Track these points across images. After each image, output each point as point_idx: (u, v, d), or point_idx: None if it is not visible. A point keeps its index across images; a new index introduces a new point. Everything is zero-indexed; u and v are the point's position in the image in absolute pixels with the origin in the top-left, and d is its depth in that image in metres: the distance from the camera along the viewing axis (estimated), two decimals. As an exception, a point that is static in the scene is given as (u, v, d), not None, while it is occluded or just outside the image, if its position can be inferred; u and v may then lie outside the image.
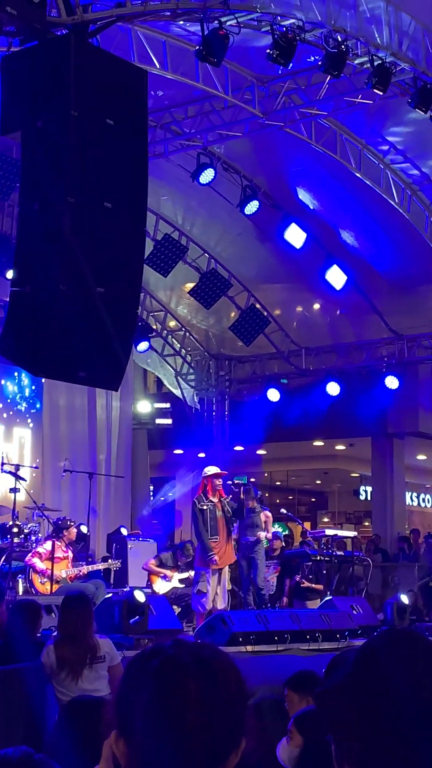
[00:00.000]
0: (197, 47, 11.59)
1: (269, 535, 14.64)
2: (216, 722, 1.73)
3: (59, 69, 8.88)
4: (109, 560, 14.21)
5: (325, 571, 15.14)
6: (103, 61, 9.38)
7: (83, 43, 9.37)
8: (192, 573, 13.59)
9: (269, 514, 14.81)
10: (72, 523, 13.31)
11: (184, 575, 14.11)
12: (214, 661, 1.79)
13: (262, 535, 14.25)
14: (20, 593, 12.76)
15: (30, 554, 13.01)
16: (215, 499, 12.68)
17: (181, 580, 14.18)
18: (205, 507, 12.58)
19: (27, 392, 19.41)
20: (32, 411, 19.50)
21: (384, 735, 1.74)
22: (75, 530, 13.42)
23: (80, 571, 13.04)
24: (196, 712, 1.71)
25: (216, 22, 11.26)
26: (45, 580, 12.59)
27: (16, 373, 18.84)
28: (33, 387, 19.35)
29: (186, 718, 1.70)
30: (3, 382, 18.80)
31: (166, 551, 14.86)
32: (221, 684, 1.76)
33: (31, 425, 19.45)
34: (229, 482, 13.04)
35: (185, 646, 1.80)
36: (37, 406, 19.53)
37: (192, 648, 1.80)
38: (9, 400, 19.04)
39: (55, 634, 7.52)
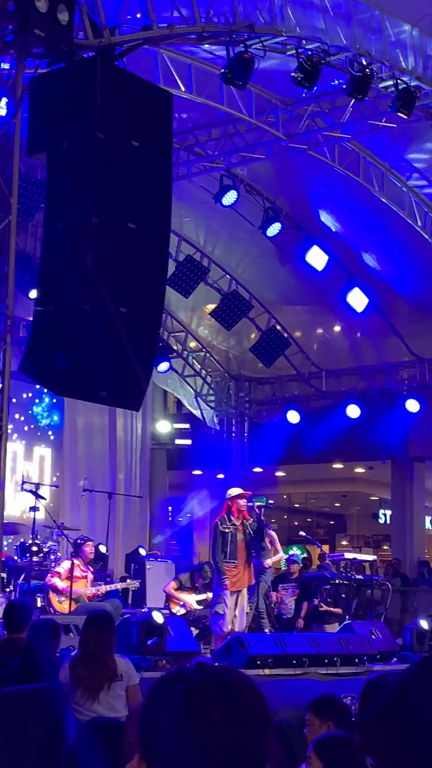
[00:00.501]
0: (222, 70, 11.67)
1: (280, 556, 14.48)
2: (240, 747, 1.72)
3: (85, 91, 8.95)
4: (128, 580, 14.17)
5: (343, 595, 15.05)
6: (128, 84, 9.45)
7: (109, 66, 9.44)
8: (210, 594, 13.54)
9: (273, 533, 14.58)
10: (87, 541, 13.29)
11: (202, 596, 14.06)
12: (238, 686, 1.78)
13: (269, 562, 14.17)
14: (38, 612, 12.76)
15: (49, 574, 13.00)
16: (238, 522, 12.61)
17: (198, 602, 14.13)
18: (227, 530, 12.50)
19: (48, 411, 19.46)
20: (52, 430, 19.54)
21: (426, 764, 1.73)
22: (93, 548, 13.39)
23: (98, 590, 13.02)
24: (220, 736, 1.70)
25: (241, 45, 11.33)
26: (63, 599, 12.56)
27: (28, 394, 18.90)
28: (54, 405, 19.39)
29: (210, 742, 1.70)
30: (24, 397, 18.85)
31: (185, 572, 14.81)
32: (245, 709, 1.75)
33: (51, 444, 19.48)
34: (249, 504, 12.97)
35: (209, 671, 1.79)
36: (58, 425, 19.58)
37: (216, 672, 1.79)
38: (30, 419, 19.09)
39: (74, 653, 7.49)
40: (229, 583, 12.36)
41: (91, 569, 13.15)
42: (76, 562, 12.78)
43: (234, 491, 12.96)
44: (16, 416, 18.33)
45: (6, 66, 9.02)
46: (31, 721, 6.65)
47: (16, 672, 7.39)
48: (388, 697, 1.83)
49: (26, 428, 19.01)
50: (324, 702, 5.47)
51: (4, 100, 9.01)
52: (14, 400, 17.75)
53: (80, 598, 12.56)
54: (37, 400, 19.17)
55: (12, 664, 7.50)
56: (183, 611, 14.03)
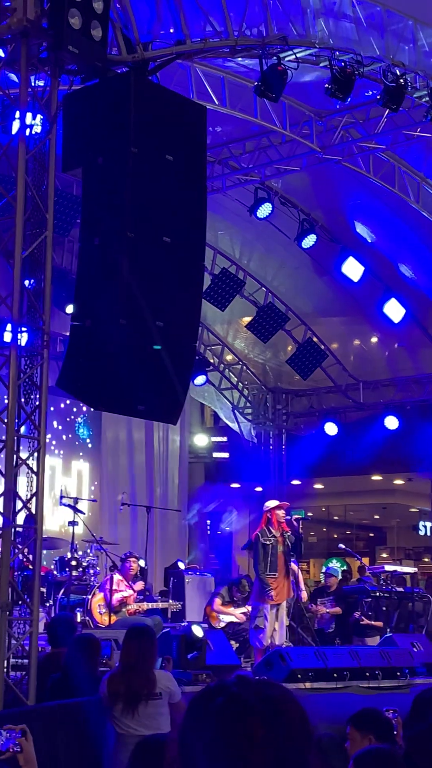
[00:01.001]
0: (256, 83, 11.67)
1: (304, 595, 14.12)
2: (280, 760, 1.69)
3: (119, 106, 8.99)
4: (170, 601, 14.12)
5: (384, 608, 14.95)
6: (162, 98, 9.48)
7: (143, 81, 9.48)
8: (249, 607, 13.50)
9: (296, 567, 13.90)
10: (131, 556, 13.29)
11: (241, 610, 14.02)
12: (279, 699, 1.76)
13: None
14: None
15: (92, 593, 13.00)
16: (278, 534, 12.59)
17: (237, 615, 14.09)
18: (267, 542, 12.49)
19: (85, 425, 19.52)
20: (90, 444, 19.60)
21: None
22: (136, 564, 13.39)
23: (140, 607, 12.99)
24: (260, 750, 1.68)
25: (274, 58, 11.33)
26: (105, 610, 12.58)
27: (66, 408, 18.95)
28: (91, 419, 19.44)
29: (250, 756, 1.67)
30: (62, 411, 18.92)
31: (224, 585, 14.78)
32: (285, 722, 1.73)
33: (89, 458, 19.54)
34: (287, 516, 12.93)
35: (249, 684, 1.77)
36: (96, 439, 19.63)
37: (256, 686, 1.77)
38: (67, 433, 19.15)
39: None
40: (274, 593, 12.32)
41: (133, 586, 13.12)
42: (118, 577, 12.78)
43: (272, 503, 12.96)
44: (54, 431, 18.40)
45: (40, 83, 9.07)
46: (70, 736, 6.64)
47: (55, 686, 7.40)
48: None
49: (64, 443, 19.07)
50: (365, 715, 5.43)
51: (39, 117, 9.06)
52: (52, 416, 17.87)
53: (121, 611, 12.56)
54: (74, 415, 19.23)
55: (51, 678, 7.51)
56: (223, 622, 13.98)
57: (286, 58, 11.44)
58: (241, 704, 1.73)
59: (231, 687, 1.76)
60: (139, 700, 6.81)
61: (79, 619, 13.01)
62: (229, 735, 1.69)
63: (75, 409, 19.11)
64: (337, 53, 11.93)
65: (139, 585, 13.26)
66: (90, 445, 19.60)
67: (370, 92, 13.38)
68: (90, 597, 12.93)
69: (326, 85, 12.01)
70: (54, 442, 18.36)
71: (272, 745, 1.69)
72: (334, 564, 21.63)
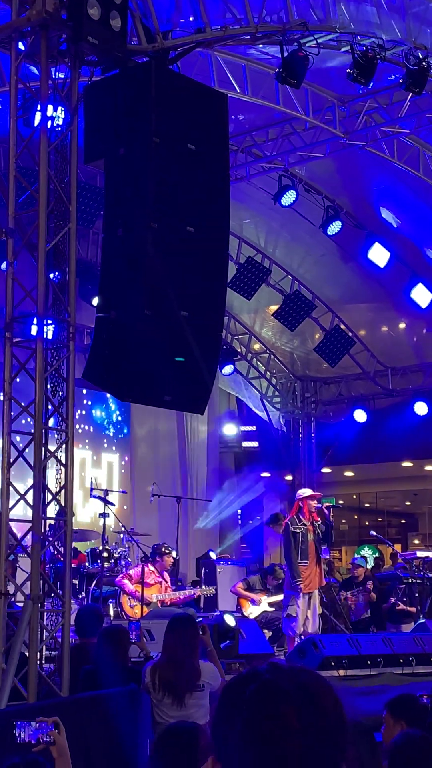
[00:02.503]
0: (277, 70, 11.61)
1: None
2: (315, 748, 1.67)
3: (140, 96, 8.96)
4: (203, 587, 14.14)
5: (417, 594, 14.90)
6: (183, 87, 9.44)
7: (164, 70, 9.44)
8: (281, 596, 13.50)
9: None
10: (170, 551, 13.29)
11: (274, 599, 14.00)
12: (312, 686, 1.74)
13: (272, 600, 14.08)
14: (111, 617, 12.80)
15: (120, 575, 13.05)
16: (308, 522, 12.58)
17: (270, 604, 14.08)
18: (298, 530, 12.48)
19: (115, 417, 19.55)
20: (120, 436, 19.63)
21: None
22: (171, 558, 13.39)
23: (177, 596, 12.99)
24: (294, 738, 1.66)
25: (295, 44, 11.27)
26: (135, 603, 12.59)
27: (93, 400, 18.99)
28: (120, 411, 19.48)
29: (284, 744, 1.66)
30: (90, 404, 18.96)
31: (254, 574, 14.76)
32: (320, 709, 1.71)
33: (118, 450, 19.57)
34: (318, 505, 12.90)
35: (282, 671, 1.76)
36: (125, 431, 19.66)
37: (289, 672, 1.75)
38: (96, 426, 19.20)
39: (156, 656, 7.48)
40: (303, 585, 12.31)
41: (166, 578, 13.11)
42: (150, 568, 12.78)
43: (305, 492, 12.96)
44: (83, 423, 18.45)
45: (61, 75, 9.06)
46: (102, 727, 6.66)
47: (87, 677, 7.42)
48: None
49: (93, 434, 19.12)
50: (400, 701, 5.42)
51: (60, 109, 9.05)
52: (80, 408, 17.92)
53: (153, 604, 12.57)
54: (102, 407, 19.27)
55: (83, 670, 7.53)
56: (256, 610, 13.97)
57: (307, 44, 11.37)
58: (274, 691, 1.71)
59: (264, 674, 1.75)
60: (184, 690, 6.82)
61: (111, 611, 13.06)
62: (262, 722, 1.68)
63: (102, 402, 19.14)
64: (359, 38, 11.85)
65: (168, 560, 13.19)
66: (120, 436, 19.64)
67: (393, 76, 13.30)
68: (119, 592, 12.92)
69: (348, 70, 11.93)
70: (83, 434, 18.40)
71: (306, 733, 1.67)
72: (366, 551, 21.59)
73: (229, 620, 10.95)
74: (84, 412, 18.60)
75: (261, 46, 11.76)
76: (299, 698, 1.70)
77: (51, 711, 4.46)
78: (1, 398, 8.58)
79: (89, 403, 18.91)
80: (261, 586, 14.30)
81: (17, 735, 3.92)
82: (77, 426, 15.73)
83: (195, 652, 6.99)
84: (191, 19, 10.16)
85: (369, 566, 16.97)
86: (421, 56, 12.23)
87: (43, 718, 4.01)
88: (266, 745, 1.66)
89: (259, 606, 14.08)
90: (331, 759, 1.70)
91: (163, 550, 13.20)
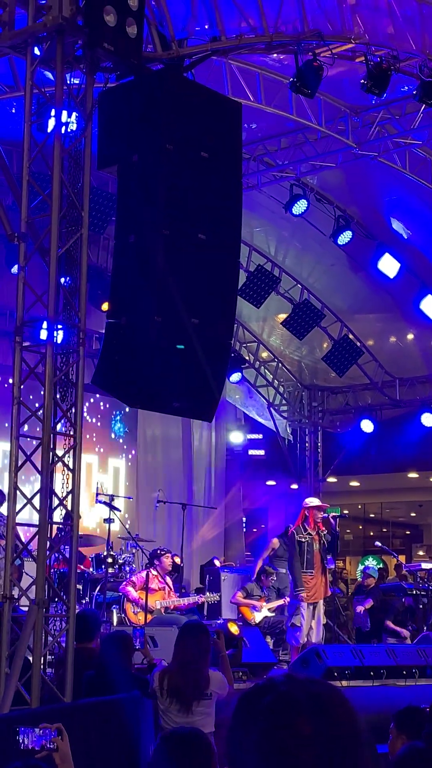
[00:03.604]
0: (291, 79, 11.63)
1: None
2: (331, 759, 1.67)
3: (154, 103, 8.98)
4: (207, 593, 14.15)
5: (421, 606, 14.88)
6: (197, 95, 9.46)
7: (178, 78, 9.47)
8: (280, 601, 13.54)
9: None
10: (166, 552, 13.29)
11: (273, 604, 14.03)
12: (328, 697, 1.74)
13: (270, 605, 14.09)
14: (115, 624, 12.79)
15: (124, 582, 13.05)
16: (313, 532, 12.56)
17: (270, 609, 14.09)
18: (303, 540, 12.46)
19: (121, 423, 19.56)
20: (127, 441, 19.64)
21: None
22: (170, 560, 13.39)
23: (181, 602, 12.99)
24: (310, 749, 1.66)
25: (310, 53, 11.28)
26: (138, 610, 12.58)
27: (102, 406, 19.00)
28: (128, 417, 19.48)
29: (300, 754, 1.65)
30: (98, 409, 18.97)
31: (251, 582, 14.78)
32: (335, 721, 1.71)
33: (125, 456, 19.58)
34: (324, 515, 12.88)
35: (298, 682, 1.75)
36: (131, 435, 19.66)
37: (305, 684, 1.75)
38: (104, 431, 19.20)
39: (165, 662, 7.47)
40: (306, 595, 12.29)
41: (169, 582, 13.12)
42: (153, 573, 12.78)
43: (312, 501, 12.92)
44: (91, 428, 18.46)
45: (76, 81, 9.07)
46: (105, 733, 6.65)
47: (90, 683, 7.41)
48: None
49: (101, 440, 19.12)
50: (406, 714, 5.41)
51: (75, 114, 9.07)
52: (89, 414, 17.93)
53: (157, 611, 12.56)
54: (110, 412, 19.27)
55: (86, 675, 7.53)
56: (258, 616, 13.97)
57: (322, 54, 11.38)
58: (290, 702, 1.71)
59: (279, 685, 1.75)
60: (192, 698, 6.82)
61: (115, 618, 13.05)
62: (277, 733, 1.68)
63: (110, 406, 19.15)
64: (373, 48, 11.86)
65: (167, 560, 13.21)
66: (127, 443, 19.64)
67: (406, 87, 13.31)
68: (123, 598, 12.92)
69: (362, 81, 11.95)
70: (91, 440, 18.41)
71: (321, 744, 1.67)
72: (371, 562, 21.54)
73: (233, 628, 10.95)
74: (93, 418, 18.60)
75: (275, 55, 11.77)
76: (315, 709, 1.70)
77: (54, 716, 4.47)
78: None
79: (98, 408, 18.91)
80: (259, 592, 14.32)
81: (20, 741, 3.92)
82: (85, 431, 15.74)
83: (205, 660, 6.99)
84: (206, 27, 10.18)
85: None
86: (434, 68, 12.24)
87: (46, 724, 4.01)
88: (282, 756, 1.66)
89: (261, 612, 14.08)
90: None
91: (159, 552, 13.21)
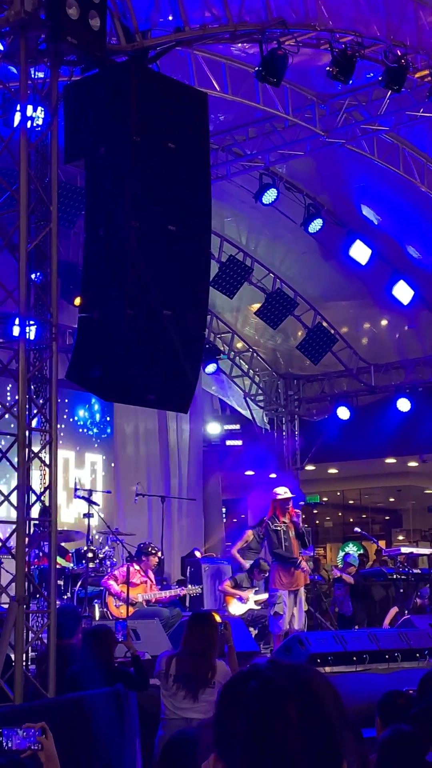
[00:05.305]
0: (257, 68, 11.62)
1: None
2: (317, 744, 1.68)
3: (120, 95, 8.94)
4: (189, 586, 14.15)
5: (402, 590, 14.95)
6: (163, 86, 9.43)
7: (143, 69, 9.43)
8: (265, 596, 13.55)
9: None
10: (156, 553, 13.29)
11: (261, 597, 14.02)
12: (313, 682, 1.75)
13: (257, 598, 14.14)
14: (96, 618, 12.79)
15: (106, 576, 13.04)
16: (287, 520, 12.59)
17: (257, 602, 14.09)
18: (278, 528, 12.49)
19: (98, 417, 19.52)
20: (103, 436, 19.61)
21: None
22: (157, 559, 13.40)
23: (163, 595, 13.01)
24: (296, 734, 1.67)
25: (274, 42, 11.27)
26: (120, 603, 12.58)
27: (76, 401, 18.97)
28: (103, 411, 19.45)
29: (286, 740, 1.66)
30: (73, 404, 18.92)
31: (241, 572, 14.78)
32: (321, 705, 1.72)
33: (102, 450, 19.55)
34: (301, 503, 12.91)
35: (282, 668, 1.76)
36: (108, 431, 19.64)
37: (290, 669, 1.76)
38: (79, 426, 19.16)
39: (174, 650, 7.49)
40: (287, 582, 12.32)
41: (151, 576, 13.12)
42: (136, 567, 12.78)
43: (280, 493, 12.84)
44: (66, 423, 18.42)
45: (40, 75, 9.02)
46: (89, 727, 6.65)
47: (73, 678, 7.41)
48: None
49: (77, 435, 19.08)
50: (385, 700, 5.43)
51: (40, 108, 9.01)
52: (64, 409, 17.88)
53: (139, 604, 12.56)
54: (86, 407, 19.23)
55: (69, 671, 7.52)
56: (242, 608, 13.98)
57: (286, 42, 11.37)
58: (275, 688, 1.72)
59: (264, 671, 1.76)
60: (200, 685, 6.88)
61: (97, 612, 13.04)
62: (264, 719, 1.69)
63: (85, 402, 19.10)
64: (338, 35, 11.86)
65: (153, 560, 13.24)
66: (103, 437, 19.61)
67: (372, 74, 13.32)
68: (105, 592, 12.92)
69: (327, 68, 11.94)
70: (66, 435, 18.36)
71: (308, 729, 1.68)
72: (351, 548, 21.65)
73: (216, 618, 10.93)
74: (68, 413, 18.56)
75: (240, 44, 11.76)
76: (299, 694, 1.71)
77: (37, 712, 4.46)
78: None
79: (73, 403, 18.85)
80: (248, 583, 14.32)
81: (4, 743, 3.91)
82: (60, 426, 15.70)
83: (214, 649, 7.05)
84: (170, 18, 10.14)
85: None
86: (399, 53, 12.25)
87: (29, 724, 4.00)
88: (268, 741, 1.67)
89: (246, 604, 14.09)
90: (333, 753, 1.71)
91: (150, 549, 13.20)
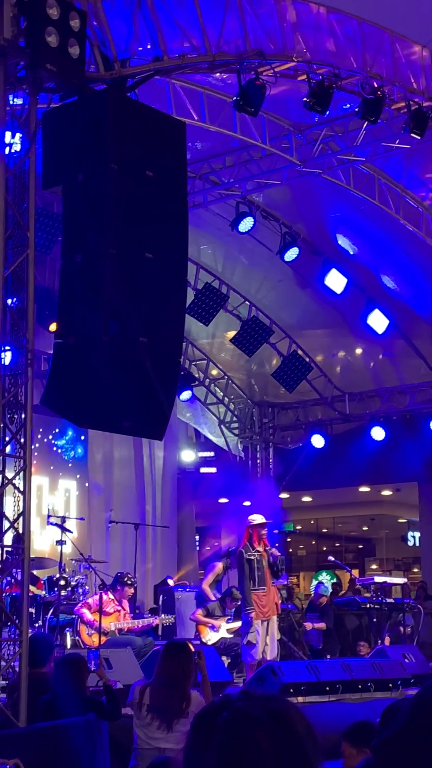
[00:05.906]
0: (234, 98, 11.69)
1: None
2: None
3: (98, 123, 8.99)
4: (162, 615, 14.07)
5: (375, 620, 14.93)
6: (141, 114, 9.49)
7: (121, 97, 9.49)
8: (239, 623, 13.45)
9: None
10: (132, 584, 13.21)
11: (233, 625, 13.94)
12: (285, 712, 1.74)
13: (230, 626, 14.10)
14: (68, 647, 12.68)
15: (80, 604, 12.95)
16: (261, 548, 12.54)
17: (229, 630, 14.02)
18: (252, 557, 12.43)
19: (71, 443, 19.45)
20: (78, 462, 19.52)
21: None
22: (132, 590, 13.33)
23: (135, 624, 12.92)
24: (269, 764, 1.66)
25: (252, 72, 11.36)
26: (92, 632, 12.49)
27: (51, 427, 18.90)
28: (77, 437, 19.38)
29: None
30: (47, 430, 18.85)
31: (213, 601, 14.70)
32: (292, 735, 1.71)
33: (76, 477, 19.46)
34: (275, 531, 12.86)
35: (254, 698, 1.76)
36: (83, 456, 19.56)
37: (261, 699, 1.76)
38: (53, 452, 19.08)
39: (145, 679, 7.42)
40: (259, 612, 12.26)
41: (125, 605, 13.03)
42: (110, 596, 12.69)
43: (256, 519, 12.82)
44: (40, 450, 18.33)
45: (19, 101, 9.06)
46: (61, 757, 6.59)
47: (45, 708, 7.34)
48: (403, 718, 1.80)
49: (51, 461, 18.99)
50: (358, 729, 5.39)
51: (18, 135, 9.04)
52: (38, 434, 17.80)
53: (111, 633, 12.48)
54: (59, 432, 19.16)
55: (42, 699, 7.45)
56: (214, 636, 13.90)
57: (264, 73, 11.46)
58: (248, 718, 1.71)
59: (236, 702, 1.74)
60: (174, 715, 6.81)
61: (69, 640, 12.94)
62: (236, 750, 1.67)
63: (60, 428, 19.03)
64: (315, 67, 11.97)
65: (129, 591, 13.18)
66: (77, 463, 19.52)
67: (348, 105, 13.44)
68: (77, 620, 12.82)
69: (304, 99, 12.04)
70: (40, 461, 18.27)
71: (280, 759, 1.67)
72: (324, 577, 21.60)
73: (190, 647, 10.87)
74: (42, 439, 18.47)
75: (218, 74, 11.84)
76: (271, 724, 1.70)
77: (8, 742, 4.41)
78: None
79: (47, 429, 18.78)
80: (220, 612, 14.24)
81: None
82: (34, 453, 15.62)
83: (189, 679, 6.99)
84: (149, 47, 10.21)
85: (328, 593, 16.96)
86: (376, 85, 12.37)
87: (3, 760, 3.96)
88: None
89: (218, 632, 14.01)
90: None
91: (126, 580, 13.12)
